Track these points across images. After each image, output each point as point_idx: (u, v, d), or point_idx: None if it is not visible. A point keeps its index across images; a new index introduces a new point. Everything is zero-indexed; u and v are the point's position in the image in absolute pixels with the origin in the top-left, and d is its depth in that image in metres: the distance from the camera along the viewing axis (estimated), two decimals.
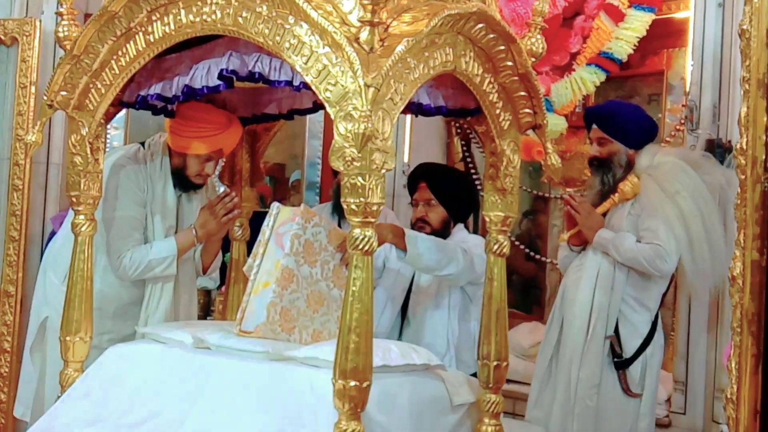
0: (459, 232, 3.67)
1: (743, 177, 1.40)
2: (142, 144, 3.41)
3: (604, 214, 3.59)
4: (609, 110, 3.70)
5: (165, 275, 3.32)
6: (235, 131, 3.29)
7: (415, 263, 3.38)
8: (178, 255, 3.31)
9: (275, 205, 2.96)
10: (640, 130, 3.60)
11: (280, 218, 2.92)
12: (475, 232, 5.47)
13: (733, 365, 1.41)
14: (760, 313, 1.39)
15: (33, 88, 4.28)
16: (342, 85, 2.27)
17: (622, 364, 3.52)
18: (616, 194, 3.54)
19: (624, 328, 3.52)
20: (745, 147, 1.39)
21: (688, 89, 4.28)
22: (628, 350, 3.53)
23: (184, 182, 3.36)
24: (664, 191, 3.46)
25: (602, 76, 4.63)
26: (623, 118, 3.59)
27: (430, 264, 3.36)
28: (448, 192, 3.60)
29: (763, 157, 1.40)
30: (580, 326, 3.53)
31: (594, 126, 3.63)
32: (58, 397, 2.93)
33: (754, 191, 1.40)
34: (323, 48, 2.31)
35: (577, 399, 3.49)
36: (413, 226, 3.60)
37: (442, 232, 3.58)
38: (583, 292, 3.55)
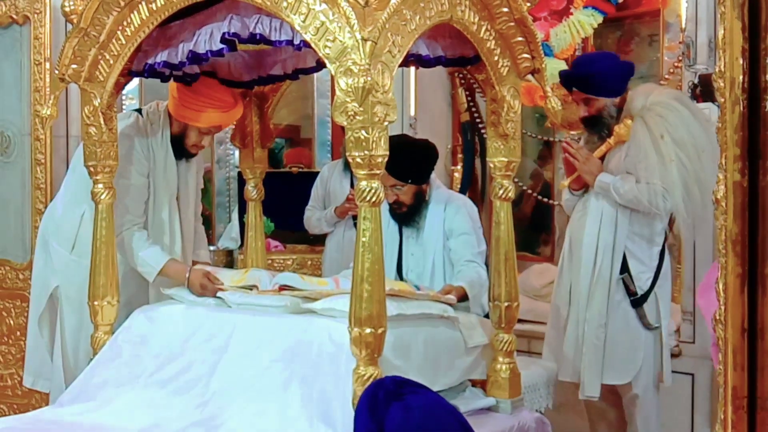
0: (438, 201, 3.42)
1: (723, 100, 1.38)
2: (139, 111, 3.36)
3: (603, 158, 3.55)
4: (583, 70, 3.57)
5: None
6: (238, 111, 3.30)
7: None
8: (160, 273, 3.18)
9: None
10: (617, 78, 3.50)
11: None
12: (483, 181, 5.44)
13: (720, 287, 1.41)
14: (744, 233, 1.38)
15: (47, 64, 4.24)
16: (340, 41, 2.25)
17: (639, 301, 3.51)
18: (612, 137, 3.50)
19: (634, 266, 3.50)
20: (723, 69, 1.37)
21: (684, 26, 4.20)
22: (643, 286, 3.51)
23: (180, 150, 3.32)
24: (651, 135, 3.41)
25: (599, 18, 4.54)
26: (598, 73, 3.48)
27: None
28: (407, 170, 3.31)
29: (741, 78, 1.37)
30: (586, 269, 3.51)
31: (574, 89, 3.55)
32: (91, 359, 2.96)
33: (733, 113, 1.38)
34: (320, 5, 2.29)
35: (585, 339, 3.50)
36: (390, 206, 3.38)
37: (418, 203, 3.38)
38: (589, 235, 3.51)
